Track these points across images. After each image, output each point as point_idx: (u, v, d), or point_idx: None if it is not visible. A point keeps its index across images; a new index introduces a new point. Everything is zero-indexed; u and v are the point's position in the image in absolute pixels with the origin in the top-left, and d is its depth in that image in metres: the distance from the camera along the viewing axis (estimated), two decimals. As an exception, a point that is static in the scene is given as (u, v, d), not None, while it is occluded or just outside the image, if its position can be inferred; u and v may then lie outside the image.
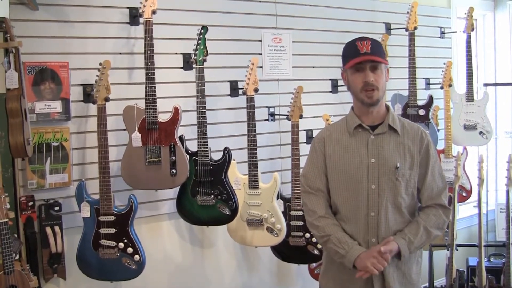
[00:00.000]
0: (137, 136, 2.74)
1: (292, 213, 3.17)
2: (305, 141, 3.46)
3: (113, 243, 2.67)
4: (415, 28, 3.76)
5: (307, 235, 3.12)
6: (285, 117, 3.25)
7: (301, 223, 3.12)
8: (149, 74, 2.73)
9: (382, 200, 2.13)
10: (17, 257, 2.47)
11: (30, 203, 2.67)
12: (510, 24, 4.94)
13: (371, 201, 2.14)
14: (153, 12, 2.73)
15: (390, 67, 2.22)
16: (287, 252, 3.21)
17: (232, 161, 2.96)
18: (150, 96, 2.73)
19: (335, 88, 3.77)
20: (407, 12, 3.78)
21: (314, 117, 3.49)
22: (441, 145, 3.99)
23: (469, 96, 4.06)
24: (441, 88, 3.95)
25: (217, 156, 2.94)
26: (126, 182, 2.81)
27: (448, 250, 3.56)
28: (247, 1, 3.39)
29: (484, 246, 3.63)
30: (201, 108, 2.88)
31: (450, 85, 3.95)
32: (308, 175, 2.27)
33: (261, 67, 3.44)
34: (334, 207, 2.24)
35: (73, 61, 2.79)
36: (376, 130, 2.18)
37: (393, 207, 2.15)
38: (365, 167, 2.15)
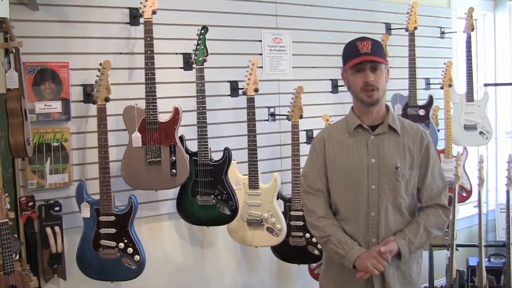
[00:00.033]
0: (137, 136, 2.74)
1: (292, 213, 3.17)
2: (305, 141, 3.46)
3: (113, 243, 2.67)
4: (415, 28, 3.76)
5: (307, 235, 3.12)
6: (285, 117, 3.25)
7: (301, 223, 3.12)
8: (149, 74, 2.73)
9: (382, 200, 2.13)
10: (17, 257, 2.47)
11: (30, 203, 2.67)
12: (510, 24, 4.94)
13: (371, 201, 2.14)
14: (153, 12, 2.73)
15: (390, 67, 2.22)
16: (287, 252, 3.21)
17: (232, 161, 2.96)
18: (150, 96, 2.73)
19: (335, 88, 3.78)
20: (407, 12, 3.78)
21: (314, 117, 3.49)
22: (441, 145, 3.99)
23: (469, 96, 4.06)
24: (441, 88, 3.95)
25: (217, 156, 2.94)
26: (126, 182, 2.81)
27: (448, 250, 3.56)
28: (247, 1, 3.39)
29: (484, 246, 3.63)
30: (201, 108, 2.88)
31: (450, 85, 3.95)
32: (308, 175, 2.27)
33: (261, 67, 3.44)
34: (334, 207, 2.24)
35: (73, 61, 2.79)
36: (376, 130, 2.18)
37: (393, 207, 2.15)
38: (365, 167, 2.15)
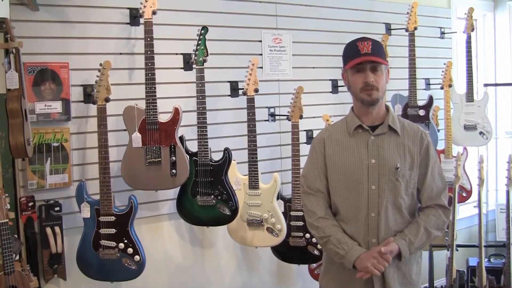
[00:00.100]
0: (137, 136, 2.74)
1: (292, 213, 3.17)
2: (305, 141, 3.46)
3: (113, 244, 2.67)
4: (415, 28, 3.76)
5: (307, 235, 3.12)
6: (285, 117, 3.25)
7: (301, 223, 3.12)
8: (150, 75, 2.73)
9: (382, 200, 2.13)
10: (17, 257, 2.47)
11: (30, 204, 2.67)
12: (510, 24, 4.95)
13: (371, 202, 2.14)
14: (153, 13, 2.73)
15: (390, 68, 2.22)
16: (287, 252, 3.21)
17: (232, 161, 2.96)
18: (151, 96, 2.73)
19: (335, 88, 3.78)
20: (407, 13, 3.78)
21: (314, 117, 3.49)
22: (441, 146, 3.99)
23: (469, 96, 4.06)
24: (441, 88, 3.95)
25: (217, 156, 2.94)
26: (126, 183, 2.81)
27: (448, 250, 3.56)
28: (247, 2, 3.39)
29: (484, 246, 3.63)
30: (201, 108, 2.88)
31: (450, 86, 3.95)
32: (308, 176, 2.27)
33: (261, 67, 3.44)
34: (334, 208, 2.24)
35: (74, 62, 2.79)
36: (376, 130, 2.18)
37: (393, 207, 2.15)
38: (365, 167, 2.15)
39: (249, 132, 3.02)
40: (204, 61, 2.87)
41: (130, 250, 2.68)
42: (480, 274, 3.53)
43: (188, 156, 2.85)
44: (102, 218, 2.66)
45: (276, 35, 3.52)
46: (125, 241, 2.67)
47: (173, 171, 2.78)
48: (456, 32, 4.48)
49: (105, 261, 2.67)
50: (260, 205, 3.06)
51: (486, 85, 4.43)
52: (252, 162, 3.02)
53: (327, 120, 3.38)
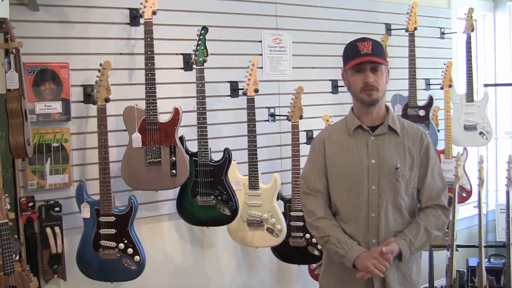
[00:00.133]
0: (137, 136, 2.74)
1: (292, 213, 3.17)
2: (305, 141, 3.46)
3: (113, 244, 2.67)
4: (415, 28, 3.76)
5: (307, 235, 3.12)
6: (285, 117, 3.25)
7: (301, 223, 3.12)
8: (150, 75, 2.73)
9: (382, 201, 2.13)
10: (17, 257, 2.47)
11: (30, 204, 2.67)
12: (510, 25, 4.95)
13: (371, 202, 2.14)
14: (153, 13, 2.73)
15: (390, 68, 2.22)
16: (287, 252, 3.21)
17: (232, 161, 2.96)
18: (151, 96, 2.73)
19: (335, 88, 3.78)
20: (407, 13, 3.78)
21: (314, 117, 3.49)
22: (441, 146, 3.99)
23: (469, 97, 4.06)
24: (441, 88, 3.96)
25: (217, 156, 2.94)
26: (126, 183, 2.81)
27: (448, 250, 3.56)
28: (247, 2, 3.39)
29: (484, 246, 3.62)
30: (201, 108, 2.88)
31: (450, 86, 3.95)
32: (307, 176, 2.27)
33: (261, 67, 3.44)
34: (334, 208, 2.24)
35: (74, 62, 2.79)
36: (376, 131, 2.18)
37: (393, 208, 2.15)
38: (365, 168, 2.15)
39: (249, 133, 3.02)
40: (204, 61, 2.88)
41: (130, 251, 2.68)
42: (480, 274, 3.53)
43: (188, 156, 2.85)
44: (102, 219, 2.66)
45: (276, 35, 3.52)
46: (125, 241, 2.67)
47: (173, 171, 2.78)
48: (456, 33, 4.48)
49: (105, 262, 2.67)
50: (260, 205, 3.05)
51: (486, 85, 4.44)
52: (252, 162, 3.02)
53: (327, 121, 3.38)
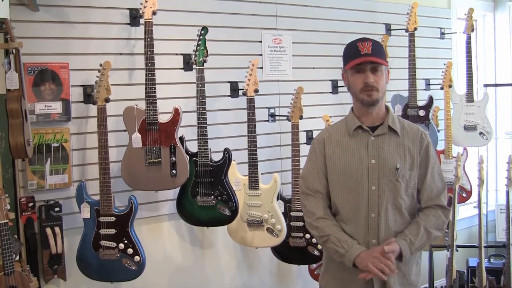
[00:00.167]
0: (137, 137, 2.74)
1: (292, 214, 3.17)
2: (305, 142, 3.46)
3: (113, 244, 2.67)
4: (415, 29, 3.76)
5: (307, 236, 3.12)
6: (285, 118, 3.25)
7: (301, 224, 3.12)
8: (150, 75, 2.73)
9: (383, 201, 2.13)
10: (17, 258, 2.47)
11: (30, 204, 2.67)
12: (510, 25, 4.95)
13: (372, 202, 2.14)
14: (153, 13, 2.73)
15: (390, 68, 2.22)
16: (287, 252, 3.20)
17: (232, 162, 2.96)
18: (150, 97, 2.73)
19: (335, 89, 3.78)
20: (407, 13, 3.78)
21: (314, 118, 3.49)
22: (441, 146, 3.99)
23: (469, 97, 4.06)
24: (441, 88, 3.96)
25: (217, 157, 2.94)
26: (126, 183, 2.81)
27: (448, 250, 3.56)
28: (247, 2, 3.39)
29: (484, 246, 3.63)
30: (201, 109, 2.88)
31: (450, 86, 3.95)
32: (307, 176, 2.27)
33: (261, 68, 3.44)
34: (334, 208, 2.24)
35: (74, 62, 2.79)
36: (376, 131, 2.18)
37: (393, 208, 2.15)
38: (365, 168, 2.15)
39: (249, 133, 3.02)
40: (204, 61, 2.88)
41: (130, 251, 2.68)
42: (480, 274, 3.53)
43: (188, 157, 2.85)
44: (102, 219, 2.66)
45: (276, 35, 3.52)
46: (125, 241, 2.67)
47: (173, 171, 2.78)
48: (456, 33, 4.48)
49: (105, 262, 2.67)
50: (260, 205, 3.05)
51: (486, 85, 4.44)
52: (252, 162, 3.02)
53: (327, 121, 3.38)
